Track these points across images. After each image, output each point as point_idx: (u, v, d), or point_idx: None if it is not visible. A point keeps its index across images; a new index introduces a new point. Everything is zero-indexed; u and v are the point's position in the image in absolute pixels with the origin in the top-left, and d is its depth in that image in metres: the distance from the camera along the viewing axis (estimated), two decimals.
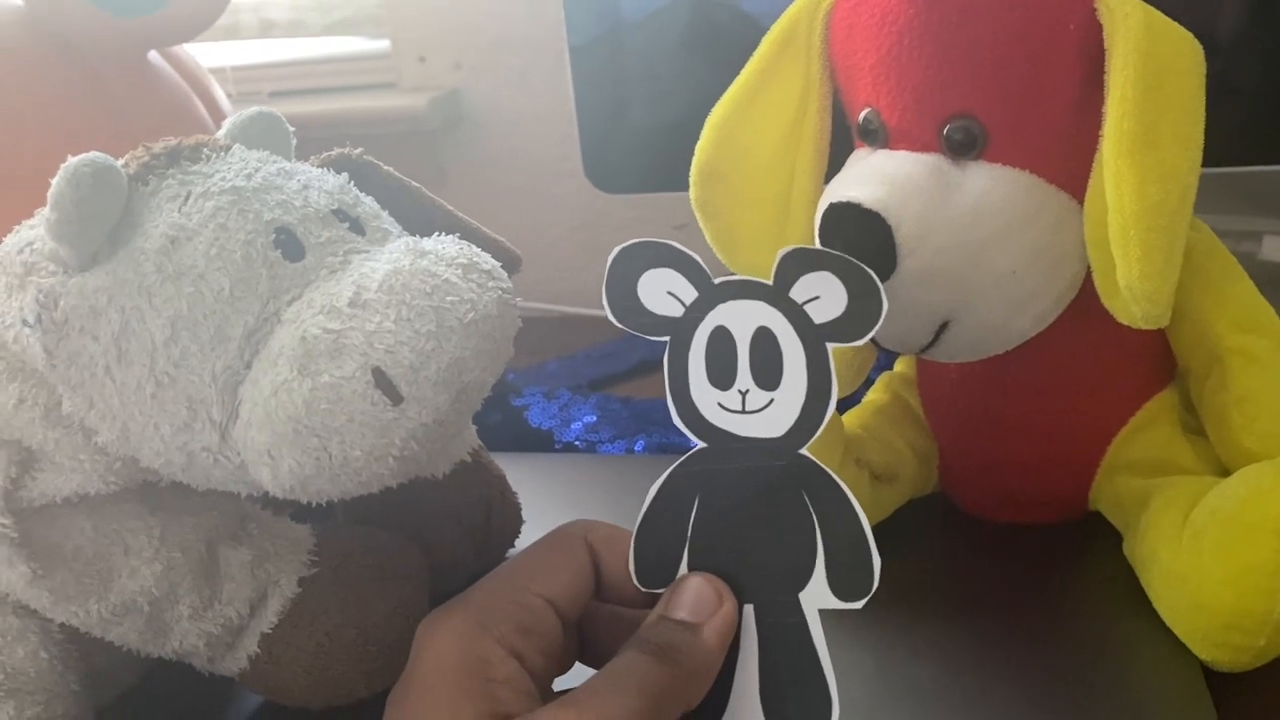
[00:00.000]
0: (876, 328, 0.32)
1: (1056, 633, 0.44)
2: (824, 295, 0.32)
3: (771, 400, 0.32)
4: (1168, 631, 0.42)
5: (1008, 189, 0.39)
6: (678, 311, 0.33)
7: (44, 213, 0.35)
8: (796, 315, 0.32)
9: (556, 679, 0.33)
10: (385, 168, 0.42)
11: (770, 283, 0.32)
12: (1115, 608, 0.45)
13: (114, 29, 0.58)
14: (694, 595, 0.32)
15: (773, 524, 0.32)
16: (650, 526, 0.33)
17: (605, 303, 0.34)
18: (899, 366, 0.54)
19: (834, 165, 0.45)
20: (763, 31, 0.45)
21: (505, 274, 0.37)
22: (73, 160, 0.33)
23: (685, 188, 0.47)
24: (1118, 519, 0.47)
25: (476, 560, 0.49)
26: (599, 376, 0.74)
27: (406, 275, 0.34)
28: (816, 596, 0.32)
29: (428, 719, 0.29)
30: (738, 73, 0.46)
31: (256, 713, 0.45)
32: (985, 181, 0.39)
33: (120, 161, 0.35)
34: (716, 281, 0.33)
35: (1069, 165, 0.39)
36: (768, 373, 0.32)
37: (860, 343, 0.32)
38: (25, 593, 0.37)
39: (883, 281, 0.38)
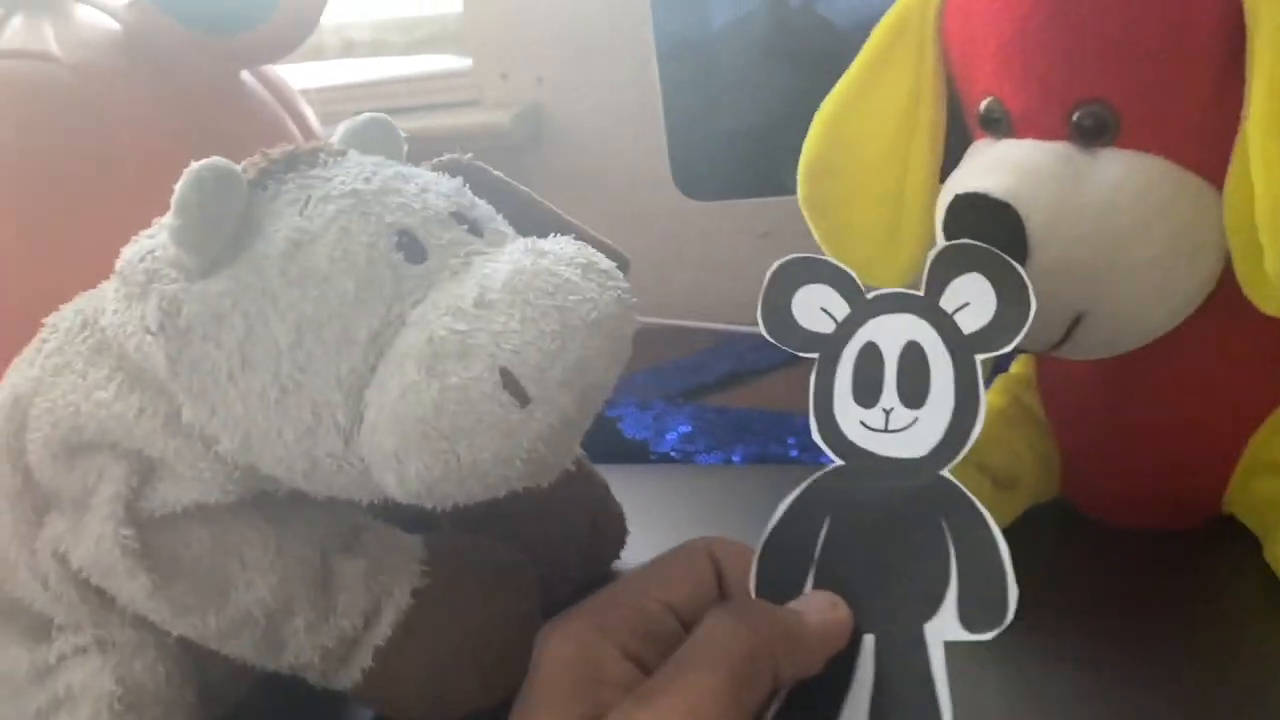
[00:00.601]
0: (1024, 331, 0.30)
1: (1194, 642, 0.42)
2: (973, 301, 0.31)
3: (916, 419, 0.32)
4: None
5: (1142, 176, 0.38)
6: (829, 328, 0.33)
7: (164, 220, 0.35)
8: (946, 327, 0.32)
9: None
10: (494, 172, 0.41)
11: (922, 294, 0.32)
12: (1256, 616, 0.43)
13: (207, 50, 0.59)
14: (806, 599, 0.31)
15: (906, 549, 0.31)
16: (776, 542, 0.32)
17: (760, 318, 0.34)
18: (1016, 368, 0.52)
19: (948, 159, 0.44)
20: (849, 36, 0.44)
21: (621, 275, 0.36)
22: (195, 165, 0.32)
23: (774, 193, 0.47)
24: (1255, 523, 0.45)
25: (583, 571, 0.48)
26: (689, 388, 0.73)
27: (529, 275, 0.33)
28: (944, 628, 0.30)
29: (538, 717, 0.29)
30: (825, 78, 0.45)
31: None
32: (1118, 169, 0.38)
33: (240, 168, 0.34)
34: (870, 295, 0.33)
35: (1206, 149, 0.38)
36: (914, 390, 0.32)
37: (1007, 349, 0.31)
38: (145, 604, 0.37)
39: None
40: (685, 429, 0.65)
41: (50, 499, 0.38)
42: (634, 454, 0.64)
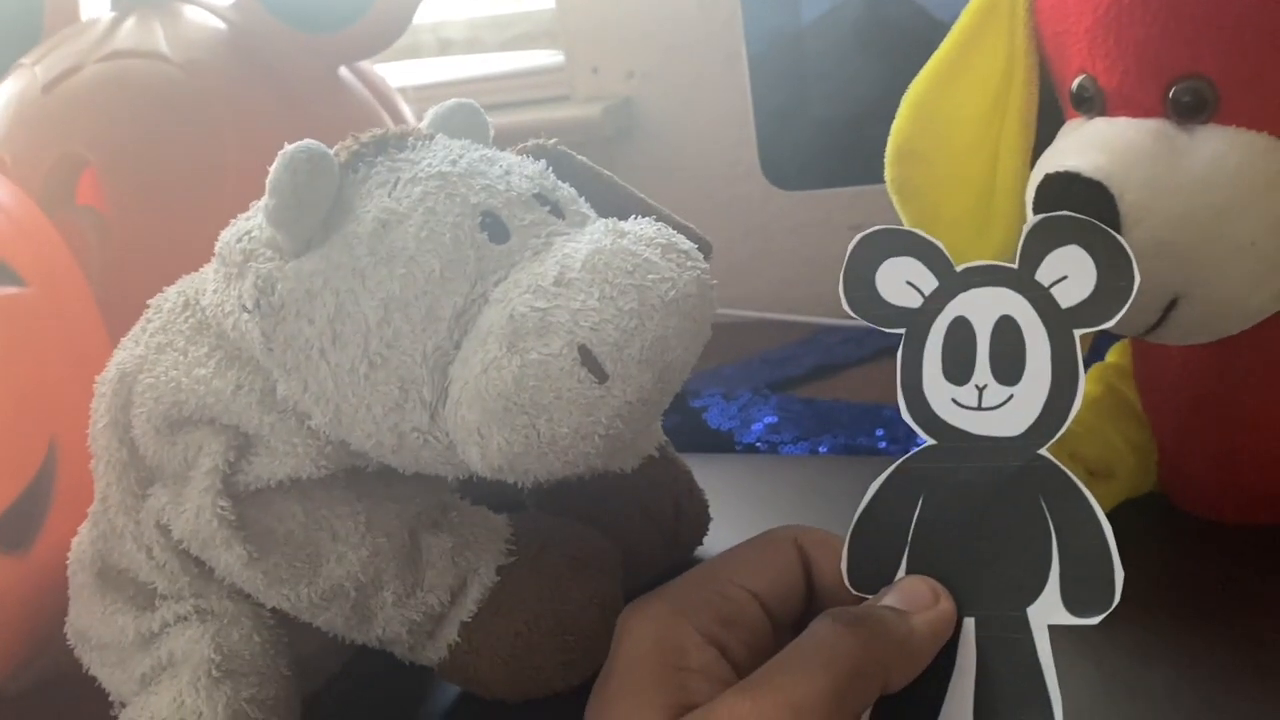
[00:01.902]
0: (1127, 305, 0.29)
1: None
2: (1071, 275, 0.30)
3: (1011, 396, 0.30)
4: None
5: (1243, 153, 0.36)
6: (916, 302, 0.32)
7: (260, 203, 0.36)
8: (1043, 300, 0.30)
9: None
10: (579, 157, 0.42)
11: (1016, 266, 0.30)
12: None
13: (306, 46, 0.61)
14: (906, 589, 0.30)
15: (1004, 530, 0.30)
16: (867, 526, 0.31)
17: (842, 293, 0.32)
18: (1112, 357, 0.50)
19: (1040, 141, 0.43)
20: (940, 24, 0.43)
21: (702, 257, 0.36)
22: (289, 147, 0.34)
23: (862, 182, 0.46)
24: None
25: (665, 555, 0.48)
26: (775, 380, 0.72)
27: (608, 254, 0.33)
28: (1048, 611, 0.29)
29: (619, 706, 0.29)
30: (917, 66, 0.44)
31: (454, 707, 0.45)
32: (1217, 146, 0.36)
33: (332, 151, 0.36)
34: (959, 268, 0.31)
35: None
36: (1008, 366, 0.30)
37: (1109, 324, 0.30)
38: (241, 575, 0.38)
39: None
40: (771, 420, 0.65)
41: (154, 472, 0.39)
42: (719, 444, 0.64)
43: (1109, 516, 0.45)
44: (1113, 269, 0.30)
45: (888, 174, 0.45)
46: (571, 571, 0.42)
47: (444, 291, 0.33)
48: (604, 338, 0.32)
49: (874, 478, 0.32)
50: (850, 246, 0.32)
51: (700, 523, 0.50)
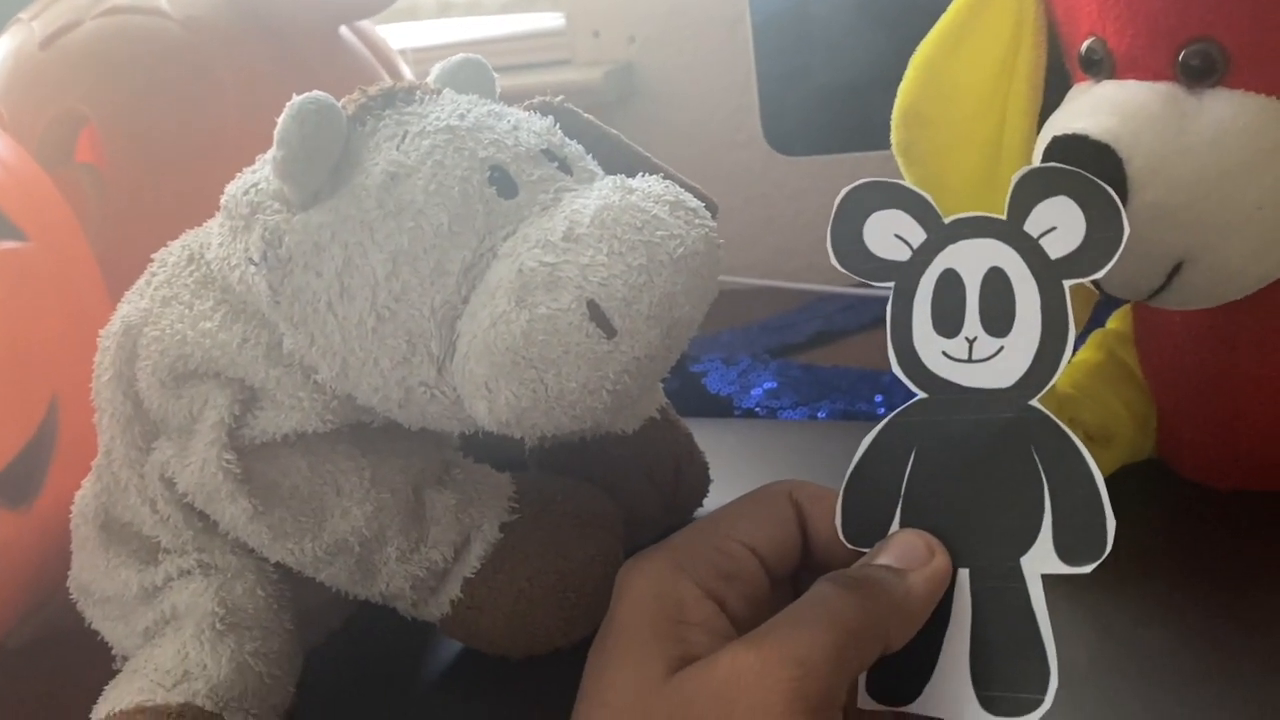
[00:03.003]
0: (1117, 255, 0.29)
1: None
2: (1061, 225, 0.30)
3: (1001, 348, 0.30)
4: None
5: (1252, 117, 0.36)
6: (904, 255, 0.32)
7: (268, 155, 0.36)
8: (1031, 251, 0.30)
9: None
10: (585, 115, 0.41)
11: (1004, 217, 0.30)
12: None
13: (307, 4, 0.60)
14: (902, 545, 0.30)
15: (996, 481, 0.30)
16: (861, 480, 0.32)
17: (829, 246, 0.32)
18: (1113, 323, 0.51)
19: (1047, 104, 0.42)
20: None
21: (709, 214, 0.36)
22: (297, 99, 0.33)
23: (866, 148, 0.45)
24: None
25: (665, 516, 0.49)
26: (775, 346, 0.72)
27: (617, 210, 0.33)
28: (1041, 560, 0.29)
29: (620, 660, 0.29)
30: (920, 31, 0.44)
31: (456, 662, 0.45)
32: (1226, 110, 0.36)
33: (340, 104, 0.35)
34: (947, 220, 0.31)
35: None
36: (998, 318, 0.30)
37: (1099, 275, 0.30)
38: (246, 528, 0.38)
39: None
40: (770, 385, 0.65)
41: (159, 425, 0.39)
42: (719, 409, 0.64)
43: (1107, 481, 0.46)
44: (1101, 219, 0.30)
45: (894, 137, 0.44)
46: (574, 529, 0.42)
47: (452, 245, 0.33)
48: (613, 293, 0.32)
49: None
50: (837, 200, 0.32)
51: (700, 485, 0.51)
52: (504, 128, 0.36)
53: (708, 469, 0.51)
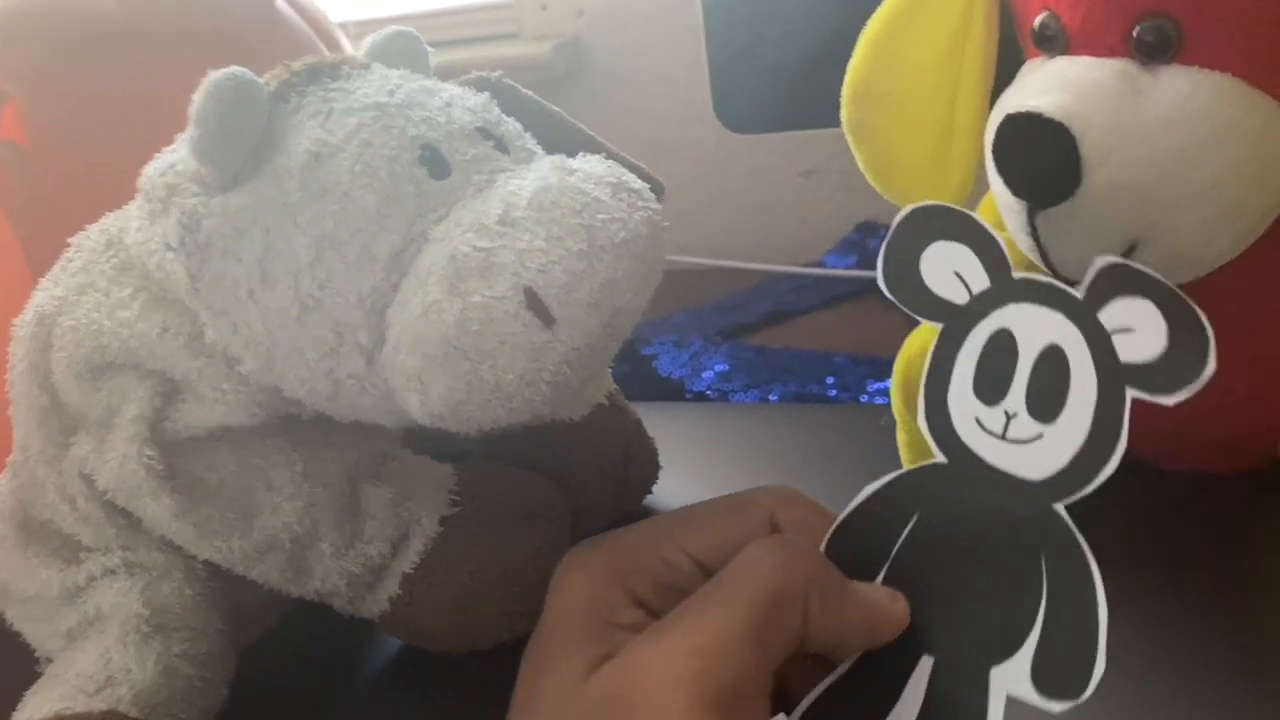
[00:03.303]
0: (1193, 387, 0.26)
1: (1248, 592, 0.40)
2: (1139, 330, 0.26)
3: (1041, 435, 0.27)
4: None
5: (1207, 94, 0.35)
6: (962, 297, 0.28)
7: (185, 135, 0.34)
8: (1101, 343, 0.27)
9: None
10: (525, 91, 0.40)
11: (1081, 295, 0.27)
12: None
13: None
14: (870, 587, 0.28)
15: (993, 579, 0.27)
16: (852, 529, 0.29)
17: (880, 266, 0.29)
18: None
19: (1000, 82, 0.41)
20: None
21: (653, 196, 0.35)
22: (214, 75, 0.32)
23: (818, 125, 0.44)
24: None
25: (614, 504, 0.48)
26: (727, 327, 0.71)
27: (556, 192, 0.32)
28: (1012, 680, 0.26)
29: (548, 662, 0.27)
30: (871, 6, 0.42)
31: (396, 659, 0.44)
32: (1181, 86, 0.35)
33: (261, 80, 0.34)
34: (1017, 276, 0.28)
35: (1275, 66, 0.35)
36: (1046, 401, 0.27)
37: (1169, 401, 0.26)
38: (170, 526, 0.37)
39: (1065, 200, 0.35)
40: (722, 368, 0.64)
41: (77, 419, 0.38)
42: (669, 392, 0.63)
43: None
44: (1186, 343, 0.26)
45: (844, 115, 0.43)
46: (517, 521, 0.41)
47: (380, 229, 0.32)
48: (551, 280, 0.30)
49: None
50: (897, 218, 0.29)
51: (650, 471, 0.50)
52: (436, 104, 0.34)
53: (657, 455, 0.50)
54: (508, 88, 0.39)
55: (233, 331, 0.34)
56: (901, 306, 0.29)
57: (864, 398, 0.59)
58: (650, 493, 0.50)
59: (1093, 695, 0.25)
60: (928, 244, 0.29)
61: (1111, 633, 0.37)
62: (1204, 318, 0.26)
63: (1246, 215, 0.37)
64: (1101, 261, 0.27)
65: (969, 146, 0.42)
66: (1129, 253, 0.37)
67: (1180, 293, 0.26)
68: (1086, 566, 0.26)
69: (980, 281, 0.28)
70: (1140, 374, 0.26)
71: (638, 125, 0.84)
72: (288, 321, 0.32)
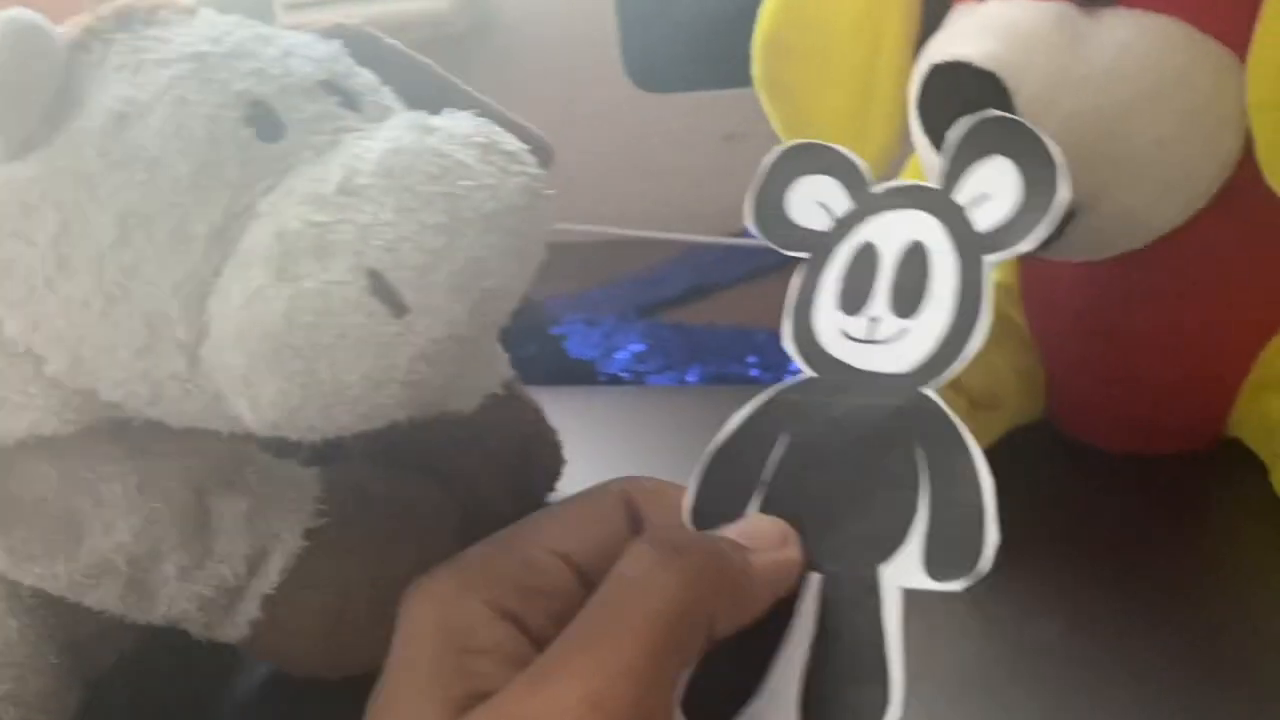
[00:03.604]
0: (1045, 226, 0.25)
1: (1194, 581, 0.38)
2: (996, 192, 0.26)
3: (905, 329, 0.27)
4: None
5: (1153, 41, 0.32)
6: (826, 225, 0.29)
7: None
8: (957, 223, 0.27)
9: None
10: (389, 40, 0.35)
11: (939, 186, 0.27)
12: (1259, 547, 0.39)
13: None
14: (751, 525, 0.26)
15: (872, 477, 0.26)
16: (723, 460, 0.28)
17: (748, 212, 0.29)
18: (997, 276, 0.47)
19: (926, 30, 0.38)
20: None
21: (533, 160, 0.30)
22: None
23: (736, 84, 0.41)
24: (1263, 446, 0.41)
25: (514, 505, 0.43)
26: (648, 303, 0.68)
27: (410, 156, 0.27)
28: (903, 572, 0.25)
29: (396, 704, 0.24)
30: None
31: (264, 684, 0.39)
32: (1125, 32, 0.32)
33: (59, 28, 0.28)
34: (877, 189, 0.28)
35: (1228, 10, 0.32)
36: (909, 297, 0.27)
37: (1024, 250, 0.26)
38: None
39: None
40: (637, 347, 0.60)
41: None
42: (580, 375, 0.60)
43: (994, 447, 0.43)
44: (1036, 186, 0.25)
45: (755, 71, 0.40)
46: (395, 530, 0.37)
47: (196, 203, 0.27)
48: (402, 260, 0.26)
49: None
50: (765, 161, 0.29)
51: (552, 467, 0.46)
52: (271, 54, 0.29)
53: (560, 448, 0.46)
54: (366, 35, 0.34)
55: (33, 327, 0.28)
56: (773, 245, 0.29)
57: (787, 377, 0.55)
58: (553, 490, 0.46)
59: (990, 570, 0.24)
60: (793, 180, 0.29)
61: (1057, 620, 0.35)
62: (1054, 150, 0.25)
63: (1196, 176, 0.34)
64: (955, 131, 0.27)
65: (892, 103, 0.38)
66: (1067, 220, 0.33)
67: (1030, 125, 0.26)
68: (961, 440, 0.25)
69: (843, 205, 0.29)
70: (997, 236, 0.26)
71: (548, 87, 0.79)
72: (91, 315, 0.27)
